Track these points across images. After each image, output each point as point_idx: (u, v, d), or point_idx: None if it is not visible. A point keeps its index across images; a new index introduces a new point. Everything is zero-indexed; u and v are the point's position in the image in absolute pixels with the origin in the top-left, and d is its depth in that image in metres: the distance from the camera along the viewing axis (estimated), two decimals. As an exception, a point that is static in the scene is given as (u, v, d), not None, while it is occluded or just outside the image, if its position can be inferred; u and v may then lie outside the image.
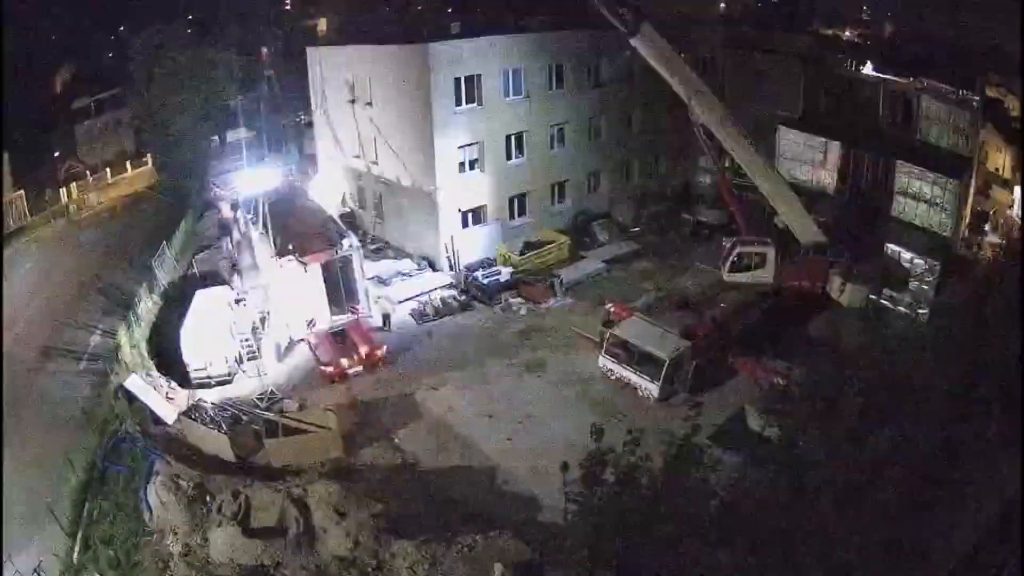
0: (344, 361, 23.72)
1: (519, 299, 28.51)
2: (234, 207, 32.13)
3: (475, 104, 30.09)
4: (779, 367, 20.84)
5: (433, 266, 31.04)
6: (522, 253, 31.04)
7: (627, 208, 35.65)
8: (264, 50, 51.50)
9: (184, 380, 23.52)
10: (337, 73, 34.14)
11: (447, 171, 30.15)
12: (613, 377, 22.83)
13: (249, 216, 29.24)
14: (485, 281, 29.20)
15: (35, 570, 16.14)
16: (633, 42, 23.75)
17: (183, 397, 22.46)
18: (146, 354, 24.73)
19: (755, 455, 11.30)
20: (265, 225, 26.97)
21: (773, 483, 10.60)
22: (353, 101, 33.07)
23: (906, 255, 26.41)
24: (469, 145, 30.51)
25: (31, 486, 18.82)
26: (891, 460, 10.47)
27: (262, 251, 27.16)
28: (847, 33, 49.50)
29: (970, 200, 30.79)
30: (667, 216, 35.30)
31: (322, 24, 61.74)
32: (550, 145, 33.18)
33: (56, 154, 46.30)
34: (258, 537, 16.82)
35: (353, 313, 26.42)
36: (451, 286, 29.61)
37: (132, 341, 24.69)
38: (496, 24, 35.88)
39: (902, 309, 25.89)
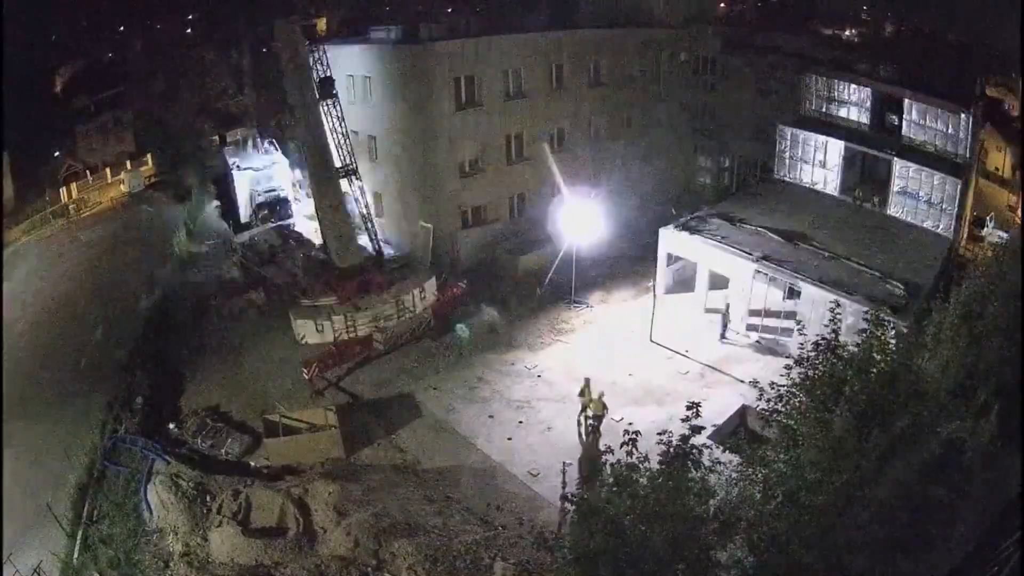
0: None
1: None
2: None
3: (475, 104, 30.03)
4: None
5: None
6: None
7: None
8: (264, 49, 51.43)
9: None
10: (337, 72, 34.02)
11: (447, 171, 30.08)
12: None
13: None
14: None
15: (35, 570, 16.15)
16: None
17: None
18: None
19: (755, 455, 11.28)
20: None
21: (773, 483, 10.59)
22: (352, 100, 32.98)
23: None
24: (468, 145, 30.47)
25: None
26: (891, 460, 10.47)
27: None
28: (847, 33, 49.51)
29: (970, 200, 30.73)
30: None
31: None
32: (551, 144, 33.18)
33: (56, 154, 46.30)
34: (258, 537, 16.82)
35: None
36: None
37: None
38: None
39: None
